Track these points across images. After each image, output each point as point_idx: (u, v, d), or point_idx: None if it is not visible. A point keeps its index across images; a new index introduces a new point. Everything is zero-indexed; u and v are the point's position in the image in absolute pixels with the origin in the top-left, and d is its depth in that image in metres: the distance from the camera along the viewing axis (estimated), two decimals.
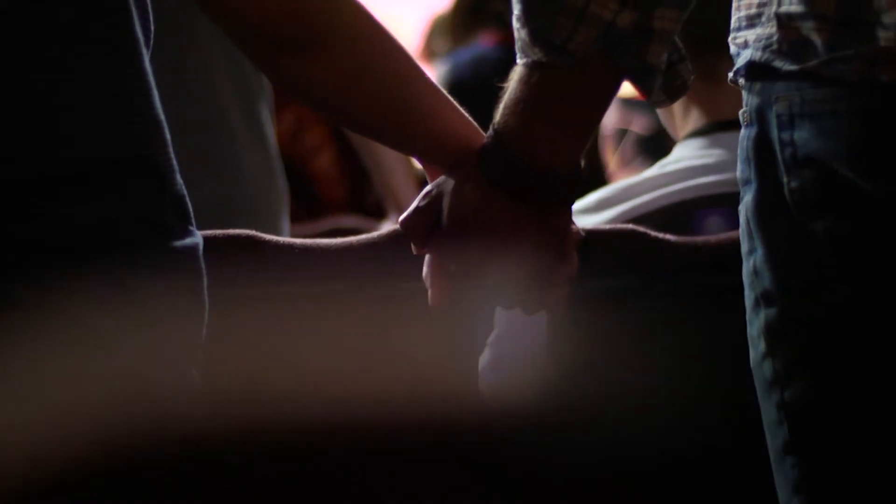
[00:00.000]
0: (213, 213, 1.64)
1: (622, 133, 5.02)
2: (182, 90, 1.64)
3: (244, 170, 1.71)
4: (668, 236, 1.32)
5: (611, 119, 4.48)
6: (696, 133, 1.56)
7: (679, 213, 1.47)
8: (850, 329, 0.95)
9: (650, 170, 1.57)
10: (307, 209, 2.34)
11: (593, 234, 1.30)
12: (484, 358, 1.53)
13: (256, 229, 1.43)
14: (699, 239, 1.33)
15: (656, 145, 4.11)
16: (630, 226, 1.32)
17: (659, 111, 1.63)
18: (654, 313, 1.32)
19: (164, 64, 1.62)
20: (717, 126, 1.53)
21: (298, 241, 1.21)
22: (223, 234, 1.17)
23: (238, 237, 1.18)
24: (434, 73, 3.44)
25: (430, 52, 3.85)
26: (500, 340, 1.50)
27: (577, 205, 1.52)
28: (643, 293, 1.31)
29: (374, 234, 1.23)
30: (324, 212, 2.34)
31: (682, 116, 1.59)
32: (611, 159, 4.71)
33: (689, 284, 1.31)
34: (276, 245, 1.19)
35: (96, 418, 0.85)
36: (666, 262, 1.31)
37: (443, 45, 3.52)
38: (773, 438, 1.02)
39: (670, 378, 1.33)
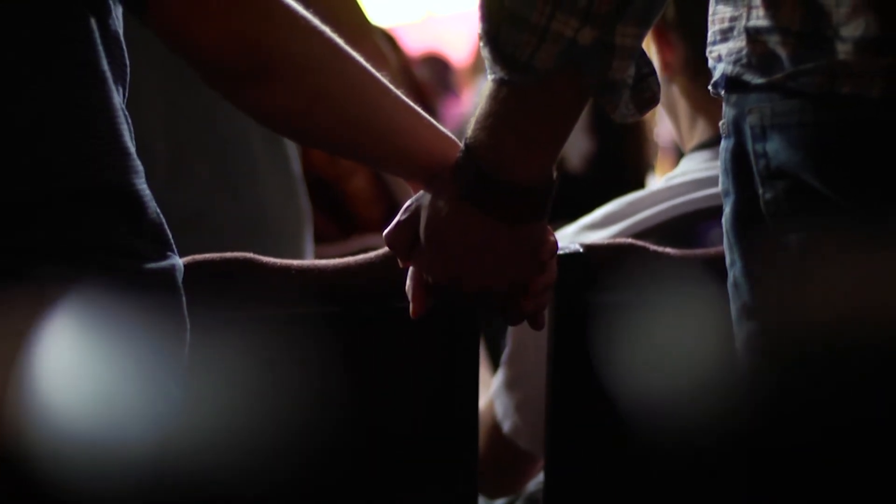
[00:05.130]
0: (232, 235, 1.65)
1: None
2: (200, 111, 1.64)
3: (264, 191, 1.70)
4: (668, 250, 1.31)
5: (667, 131, 4.42)
6: (702, 146, 1.55)
7: (684, 225, 1.47)
8: (826, 341, 0.95)
9: (657, 183, 1.57)
10: (342, 229, 2.34)
11: (593, 249, 1.30)
12: (497, 377, 1.53)
13: (277, 251, 1.42)
14: (699, 252, 1.33)
15: None
16: (629, 240, 1.32)
17: (668, 124, 1.63)
18: (654, 326, 1.31)
19: (183, 85, 1.63)
20: None
21: (296, 262, 1.21)
22: (220, 258, 1.17)
23: (235, 260, 1.18)
24: (480, 87, 3.45)
25: (480, 68, 3.88)
26: (513, 359, 1.51)
27: (584, 220, 1.52)
28: (643, 307, 1.30)
29: (371, 254, 1.23)
30: (358, 232, 2.34)
31: (688, 129, 1.58)
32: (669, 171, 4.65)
33: (688, 296, 1.30)
34: (273, 267, 1.20)
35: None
36: (666, 276, 1.30)
37: None
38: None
39: (671, 390, 1.32)
